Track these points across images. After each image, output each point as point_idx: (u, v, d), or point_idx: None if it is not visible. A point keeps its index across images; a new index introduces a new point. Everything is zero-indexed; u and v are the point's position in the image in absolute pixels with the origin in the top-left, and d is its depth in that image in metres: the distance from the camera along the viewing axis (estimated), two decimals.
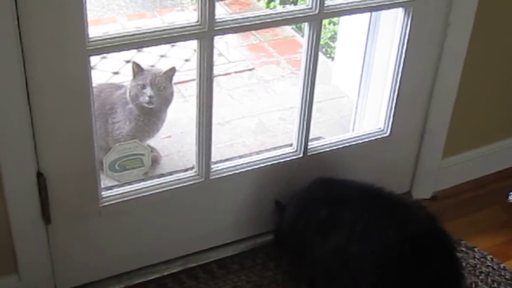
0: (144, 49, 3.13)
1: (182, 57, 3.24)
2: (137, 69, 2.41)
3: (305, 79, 2.02)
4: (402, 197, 1.97)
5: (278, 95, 3.02)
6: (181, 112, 2.78)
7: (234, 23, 1.82)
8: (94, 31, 1.69)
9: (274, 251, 2.12)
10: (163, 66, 2.60)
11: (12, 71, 1.60)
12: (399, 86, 2.16)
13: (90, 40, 1.66)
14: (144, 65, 2.48)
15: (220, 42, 3.33)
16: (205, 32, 1.78)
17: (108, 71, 3.09)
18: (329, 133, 2.33)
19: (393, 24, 2.12)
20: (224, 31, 1.85)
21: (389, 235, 1.83)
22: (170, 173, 2.09)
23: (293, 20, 2.03)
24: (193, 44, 3.18)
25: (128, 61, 3.12)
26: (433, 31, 2.10)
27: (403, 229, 1.85)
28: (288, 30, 3.56)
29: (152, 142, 2.53)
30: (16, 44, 1.57)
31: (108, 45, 1.70)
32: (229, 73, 3.16)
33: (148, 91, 2.37)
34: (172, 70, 2.43)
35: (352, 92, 2.49)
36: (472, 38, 2.15)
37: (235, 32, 1.92)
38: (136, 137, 2.38)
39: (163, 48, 3.27)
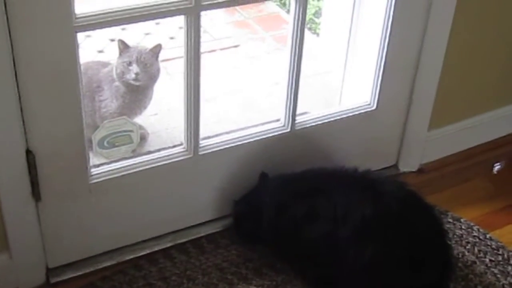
0: (129, 27, 3.11)
1: (167, 35, 3.23)
2: (123, 46, 2.40)
3: (292, 53, 2.03)
4: (368, 172, 1.98)
5: (263, 71, 3.02)
6: (167, 90, 2.77)
7: None
8: (80, 7, 1.68)
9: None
10: (148, 44, 2.59)
11: None
12: (385, 60, 2.17)
13: (77, 16, 1.66)
14: (130, 42, 2.47)
15: (205, 19, 3.31)
16: (192, 7, 1.79)
17: (92, 50, 3.07)
18: (314, 109, 2.34)
19: None
20: (211, 6, 1.84)
21: (368, 210, 1.86)
22: (158, 150, 2.09)
23: None
24: (178, 22, 3.20)
25: (112, 40, 3.11)
26: (418, 2, 2.11)
27: (379, 202, 1.88)
28: (272, 6, 3.56)
29: (139, 119, 2.52)
30: (2, 21, 1.56)
31: (95, 21, 1.69)
32: (214, 50, 3.15)
33: (134, 68, 2.37)
34: (158, 47, 2.43)
35: (338, 67, 2.50)
36: (457, 9, 2.16)
37: (222, 7, 1.92)
38: (123, 114, 2.38)
39: (148, 26, 3.25)
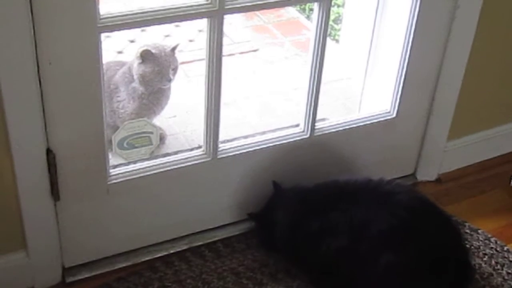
0: (149, 29, 3.12)
1: (186, 37, 3.23)
2: (148, 55, 2.37)
3: (313, 59, 2.02)
4: (382, 182, 1.96)
5: (282, 76, 3.02)
6: (186, 92, 2.77)
7: (244, 2, 1.82)
8: (103, 8, 1.69)
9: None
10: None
11: (23, 48, 1.59)
12: (406, 68, 2.16)
13: (101, 17, 1.66)
14: (152, 48, 2.44)
15: (224, 23, 3.31)
16: (216, 10, 1.79)
17: (112, 51, 3.07)
18: (333, 115, 2.34)
19: (401, 5, 2.12)
20: (234, 10, 1.85)
21: (383, 222, 1.86)
22: (176, 153, 2.09)
23: None
24: (197, 25, 3.20)
25: (132, 41, 3.12)
26: (441, 13, 2.10)
27: (394, 213, 1.87)
28: (292, 12, 3.55)
29: (157, 121, 2.52)
30: (27, 21, 1.57)
31: (119, 22, 1.70)
32: (233, 54, 3.15)
33: (170, 75, 2.37)
34: (177, 46, 2.43)
35: (357, 74, 2.49)
36: (480, 21, 2.15)
37: (245, 11, 1.92)
38: (141, 115, 2.37)
39: (167, 29, 3.26)
